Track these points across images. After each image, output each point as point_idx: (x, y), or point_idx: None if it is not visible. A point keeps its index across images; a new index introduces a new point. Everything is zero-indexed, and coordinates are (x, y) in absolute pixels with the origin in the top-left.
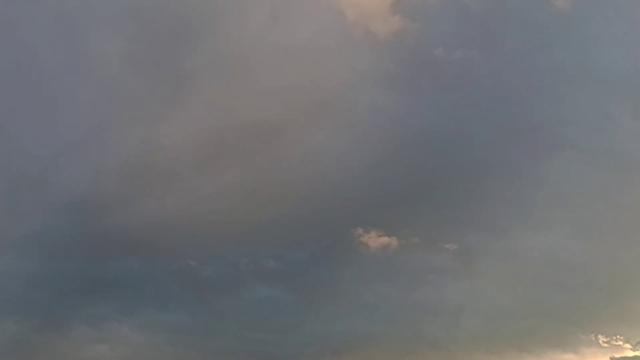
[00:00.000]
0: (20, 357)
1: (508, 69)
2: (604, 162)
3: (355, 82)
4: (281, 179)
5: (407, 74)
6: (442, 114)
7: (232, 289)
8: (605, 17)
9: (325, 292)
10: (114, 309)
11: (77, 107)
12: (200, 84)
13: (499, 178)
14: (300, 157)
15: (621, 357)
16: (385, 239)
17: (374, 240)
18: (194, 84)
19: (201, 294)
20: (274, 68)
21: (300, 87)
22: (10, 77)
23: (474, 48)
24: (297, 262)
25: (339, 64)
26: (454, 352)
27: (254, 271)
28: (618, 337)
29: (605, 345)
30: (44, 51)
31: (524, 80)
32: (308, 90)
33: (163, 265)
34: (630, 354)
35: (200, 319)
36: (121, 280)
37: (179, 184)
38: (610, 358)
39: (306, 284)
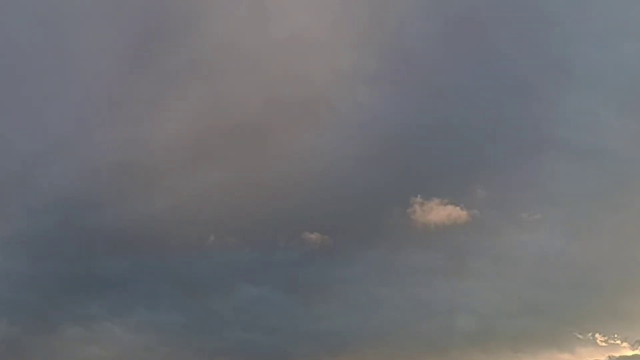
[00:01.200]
0: (12, 358)
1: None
2: (592, 161)
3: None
4: (270, 175)
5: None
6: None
7: (225, 287)
8: (589, 16)
9: (319, 293)
10: (105, 309)
11: (63, 106)
12: (186, 83)
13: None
14: (288, 154)
15: (620, 357)
16: None
17: None
18: (179, 83)
19: (193, 294)
20: (259, 65)
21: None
22: None
23: None
24: (284, 262)
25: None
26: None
27: (246, 270)
28: (616, 336)
29: (603, 344)
30: (29, 50)
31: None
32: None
33: (153, 265)
34: (629, 352)
35: (193, 319)
36: (111, 280)
37: (166, 183)
38: (609, 357)
39: (294, 285)
